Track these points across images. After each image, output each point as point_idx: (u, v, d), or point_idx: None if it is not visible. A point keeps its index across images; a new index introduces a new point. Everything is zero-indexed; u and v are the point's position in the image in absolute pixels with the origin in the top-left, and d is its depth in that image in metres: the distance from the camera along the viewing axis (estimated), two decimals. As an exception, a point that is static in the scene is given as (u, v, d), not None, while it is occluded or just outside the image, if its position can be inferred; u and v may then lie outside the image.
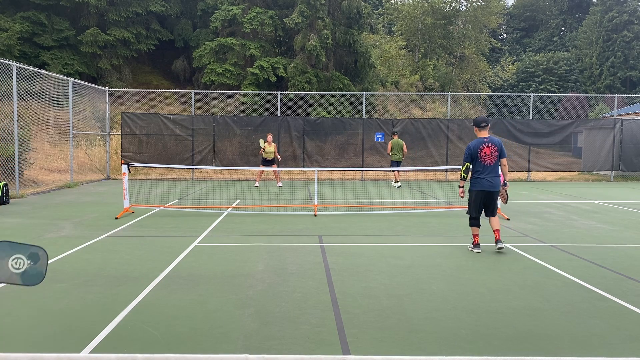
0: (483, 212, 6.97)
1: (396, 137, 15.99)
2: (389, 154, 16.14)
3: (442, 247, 7.10)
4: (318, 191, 10.81)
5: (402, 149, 15.70)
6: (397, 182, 16.08)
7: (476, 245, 6.86)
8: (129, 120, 18.08)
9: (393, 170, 15.71)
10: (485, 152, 6.74)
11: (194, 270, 5.68)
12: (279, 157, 16.22)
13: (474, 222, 6.89)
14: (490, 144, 6.75)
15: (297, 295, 4.82)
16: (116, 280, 5.24)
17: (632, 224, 9.21)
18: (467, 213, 7.04)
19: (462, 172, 6.92)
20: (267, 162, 15.34)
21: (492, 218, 6.93)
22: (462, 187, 7.00)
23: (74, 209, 10.35)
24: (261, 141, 15.42)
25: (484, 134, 6.89)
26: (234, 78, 25.34)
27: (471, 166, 6.91)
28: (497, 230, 6.86)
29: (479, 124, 6.92)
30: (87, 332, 3.84)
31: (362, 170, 18.78)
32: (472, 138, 19.12)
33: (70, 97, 15.11)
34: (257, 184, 15.65)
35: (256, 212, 10.26)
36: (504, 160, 6.91)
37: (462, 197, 7.09)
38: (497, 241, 6.79)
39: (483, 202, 6.87)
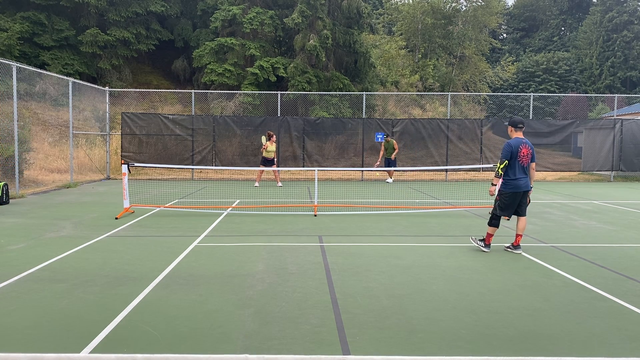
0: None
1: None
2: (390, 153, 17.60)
3: (442, 247, 7.10)
4: (318, 191, 10.81)
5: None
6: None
7: (487, 245, 6.85)
8: (129, 120, 18.09)
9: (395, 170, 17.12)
10: (523, 152, 6.69)
11: (194, 270, 5.68)
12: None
13: (496, 223, 6.83)
14: (527, 145, 6.74)
15: (297, 295, 4.82)
16: (116, 280, 5.24)
17: (632, 224, 9.22)
18: (495, 213, 6.84)
19: (500, 170, 6.72)
20: (267, 162, 15.34)
21: (522, 218, 6.87)
22: (496, 185, 6.84)
23: (74, 209, 10.35)
24: (263, 138, 15.40)
25: (520, 134, 6.85)
26: (234, 78, 25.34)
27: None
28: (520, 236, 6.84)
29: (516, 124, 6.85)
30: (87, 332, 3.84)
31: (362, 170, 18.79)
32: (472, 139, 19.23)
33: (70, 97, 15.11)
34: (257, 184, 15.65)
35: (256, 212, 10.26)
36: (534, 165, 6.88)
37: (492, 195, 6.94)
38: (518, 246, 6.82)
39: (518, 202, 6.81)
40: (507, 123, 7.07)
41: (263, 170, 15.58)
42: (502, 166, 6.70)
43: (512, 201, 6.75)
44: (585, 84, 47.20)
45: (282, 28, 26.38)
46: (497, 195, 6.89)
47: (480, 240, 6.97)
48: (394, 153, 17.26)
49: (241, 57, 25.53)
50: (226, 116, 19.61)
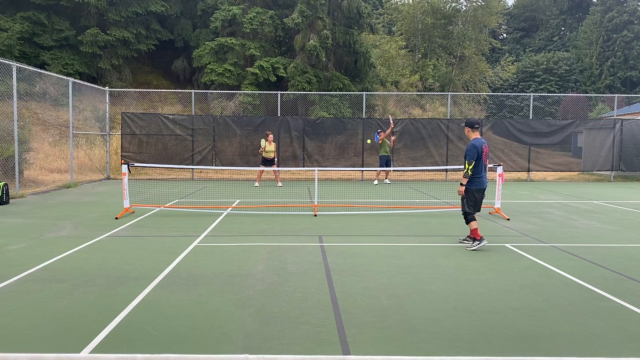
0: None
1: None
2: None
3: (442, 247, 7.10)
4: (318, 191, 10.81)
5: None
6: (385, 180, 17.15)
7: (481, 238, 6.94)
8: (129, 120, 18.09)
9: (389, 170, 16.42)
10: (485, 152, 7.06)
11: (194, 270, 5.68)
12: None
13: (472, 217, 7.04)
14: (485, 144, 7.09)
15: (297, 295, 4.82)
16: (116, 280, 5.24)
17: (632, 224, 9.21)
18: (467, 211, 7.05)
19: (470, 171, 6.93)
20: (267, 162, 15.31)
21: (476, 214, 7.21)
22: (465, 185, 7.05)
23: (74, 209, 10.35)
24: (263, 141, 15.34)
25: (477, 134, 7.14)
26: (234, 78, 25.34)
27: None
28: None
29: (473, 125, 7.16)
30: (87, 332, 3.84)
31: (362, 170, 18.78)
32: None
33: (70, 97, 15.11)
34: (257, 184, 15.64)
35: (256, 212, 10.26)
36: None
37: (461, 194, 7.13)
38: (482, 239, 7.06)
39: (481, 199, 7.15)
40: (463, 124, 7.23)
41: (263, 171, 15.55)
42: (471, 167, 6.92)
43: (479, 197, 7.07)
44: (585, 84, 47.18)
45: (282, 28, 26.38)
46: (464, 194, 7.06)
47: (472, 242, 7.00)
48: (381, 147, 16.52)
49: (241, 57, 25.53)
50: (226, 116, 19.61)
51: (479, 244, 6.91)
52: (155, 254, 6.47)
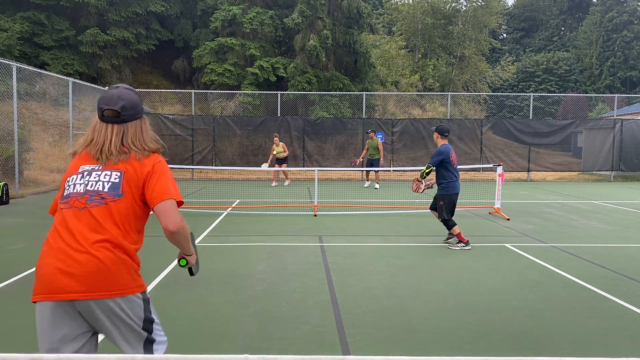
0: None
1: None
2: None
3: (442, 247, 7.10)
4: (318, 191, 10.81)
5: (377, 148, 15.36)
6: (369, 181, 16.21)
7: (467, 242, 6.99)
8: (129, 120, 18.06)
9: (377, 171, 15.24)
10: (453, 157, 7.20)
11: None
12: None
13: (453, 223, 7.09)
14: (453, 150, 7.28)
15: (297, 295, 4.82)
16: (116, 280, 5.23)
17: (632, 224, 9.21)
18: (445, 218, 7.06)
19: (425, 173, 7.19)
20: (280, 161, 15.76)
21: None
22: (422, 184, 7.33)
23: (74, 209, 10.33)
24: (274, 146, 15.78)
25: (446, 141, 7.29)
26: (234, 78, 25.34)
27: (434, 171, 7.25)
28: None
29: (443, 132, 7.30)
30: (87, 332, 3.84)
31: (362, 170, 18.77)
32: (472, 139, 19.25)
33: (70, 97, 15.12)
34: (274, 183, 15.87)
35: (256, 212, 10.26)
36: None
37: (418, 192, 7.47)
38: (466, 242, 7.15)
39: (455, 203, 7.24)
40: (433, 128, 7.34)
41: (278, 170, 15.82)
42: (427, 170, 7.15)
43: (454, 202, 7.16)
44: (585, 84, 47.19)
45: (282, 28, 26.38)
46: (441, 201, 7.16)
47: (457, 243, 7.05)
48: (380, 155, 15.17)
49: (241, 57, 25.52)
50: (226, 116, 19.61)
51: (463, 246, 6.96)
52: (155, 254, 6.47)
